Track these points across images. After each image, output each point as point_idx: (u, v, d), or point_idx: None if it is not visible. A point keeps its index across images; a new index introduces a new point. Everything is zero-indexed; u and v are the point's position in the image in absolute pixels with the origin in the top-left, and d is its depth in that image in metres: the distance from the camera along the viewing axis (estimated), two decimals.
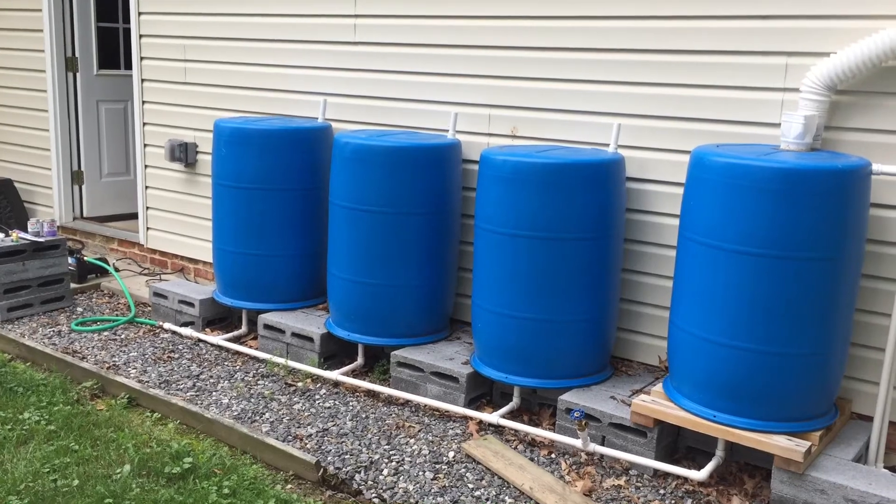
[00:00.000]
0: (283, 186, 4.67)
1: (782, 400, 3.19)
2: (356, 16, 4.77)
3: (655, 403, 3.44)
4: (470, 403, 4.01)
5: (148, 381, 4.35)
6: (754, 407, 3.21)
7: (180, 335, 4.99)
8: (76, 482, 3.32)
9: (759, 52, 3.58)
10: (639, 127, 3.92)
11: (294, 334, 4.54)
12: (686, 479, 3.42)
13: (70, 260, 5.70)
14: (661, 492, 3.38)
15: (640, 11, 3.84)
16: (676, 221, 3.59)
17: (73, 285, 5.66)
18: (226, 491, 3.26)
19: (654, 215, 3.93)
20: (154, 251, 6.19)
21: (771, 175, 3.05)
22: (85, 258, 5.92)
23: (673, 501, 3.31)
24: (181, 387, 4.30)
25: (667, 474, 3.47)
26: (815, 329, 3.13)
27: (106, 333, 5.03)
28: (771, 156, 3.17)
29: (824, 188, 3.04)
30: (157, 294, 5.22)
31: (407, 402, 4.12)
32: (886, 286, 3.39)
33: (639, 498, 3.32)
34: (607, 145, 3.92)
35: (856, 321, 3.37)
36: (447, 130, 4.41)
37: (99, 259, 6.01)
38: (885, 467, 3.34)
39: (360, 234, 4.22)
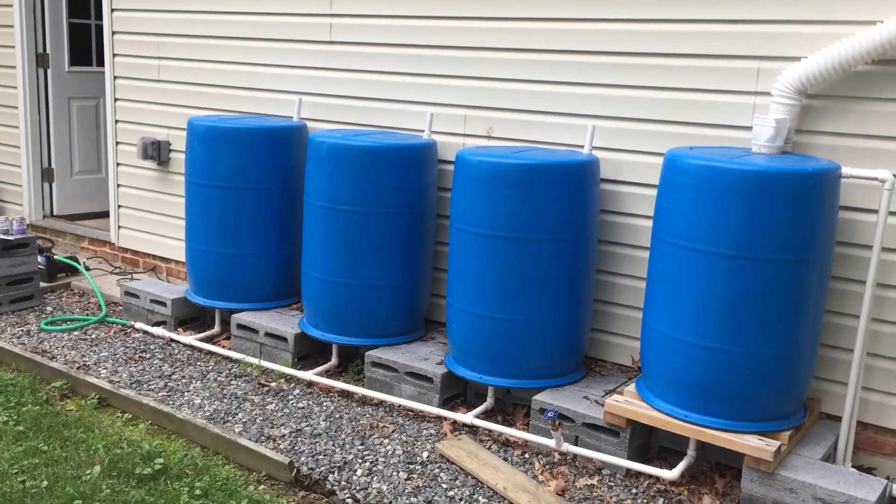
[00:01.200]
0: (258, 185, 4.65)
1: (753, 400, 3.23)
2: (332, 15, 4.76)
3: (628, 403, 3.46)
4: (444, 404, 4.01)
5: (119, 382, 4.30)
6: (725, 407, 3.24)
7: (152, 335, 4.94)
8: (45, 483, 3.27)
9: (732, 55, 3.62)
10: (613, 129, 3.94)
11: (268, 334, 4.51)
12: (658, 479, 3.45)
13: (40, 258, 5.63)
14: (634, 491, 3.40)
15: (616, 14, 3.87)
16: (650, 223, 3.62)
17: (42, 284, 5.58)
18: (198, 492, 3.24)
19: (628, 217, 3.96)
20: (126, 250, 6.13)
21: (742, 177, 3.09)
22: (55, 257, 5.84)
23: (645, 500, 3.33)
24: (153, 387, 4.26)
25: (639, 474, 3.49)
26: (785, 330, 3.17)
27: (76, 333, 4.97)
28: (743, 158, 3.21)
29: (795, 191, 3.08)
30: (128, 293, 5.17)
31: (381, 403, 4.12)
32: (855, 288, 3.44)
33: (611, 497, 3.35)
34: (582, 147, 3.94)
35: (825, 322, 3.42)
36: (423, 131, 4.41)
37: (69, 258, 5.93)
38: (852, 466, 3.39)
39: (335, 234, 4.20)
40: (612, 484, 3.45)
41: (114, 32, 5.83)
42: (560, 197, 3.69)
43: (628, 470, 3.50)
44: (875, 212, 3.28)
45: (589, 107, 3.99)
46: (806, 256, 3.14)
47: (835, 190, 3.21)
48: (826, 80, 3.33)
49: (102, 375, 4.37)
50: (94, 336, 4.94)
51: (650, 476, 3.47)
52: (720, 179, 3.12)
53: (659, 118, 3.82)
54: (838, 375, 3.52)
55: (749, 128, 3.52)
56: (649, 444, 3.66)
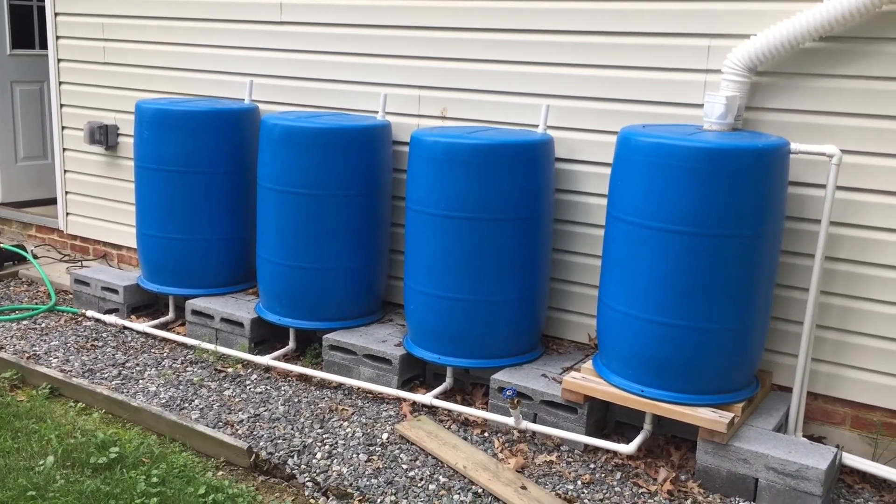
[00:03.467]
0: (209, 169, 4.57)
1: (706, 373, 3.28)
2: None
3: (585, 380, 3.50)
4: (403, 385, 4.01)
5: (71, 371, 4.22)
6: (680, 381, 3.29)
7: (104, 323, 4.85)
8: None
9: (683, 34, 3.65)
10: (567, 108, 3.96)
11: (223, 319, 4.46)
12: (615, 453, 3.50)
13: None
14: (592, 466, 3.44)
15: None
16: (604, 201, 3.64)
17: None
18: (154, 479, 3.20)
19: (583, 195, 3.98)
20: (75, 237, 6.00)
21: (694, 154, 3.12)
22: (1, 245, 5.69)
23: (602, 475, 3.38)
24: (106, 375, 4.19)
25: (597, 449, 3.54)
26: (737, 304, 3.23)
27: (25, 322, 4.86)
28: (694, 136, 3.24)
29: (745, 167, 3.13)
30: (78, 281, 5.06)
31: (340, 386, 4.10)
32: (804, 262, 3.51)
33: (570, 473, 3.38)
34: (537, 126, 3.95)
35: (776, 296, 3.48)
36: (377, 112, 4.38)
37: (16, 246, 5.79)
38: (803, 436, 3.47)
39: (290, 217, 4.16)
40: (571, 459, 3.49)
41: (56, 14, 5.67)
42: (515, 176, 3.70)
43: (586, 445, 3.54)
44: (823, 186, 3.34)
45: (543, 86, 4.00)
46: (757, 231, 3.19)
47: (784, 166, 3.27)
48: (775, 57, 3.38)
49: (54, 365, 4.28)
50: (43, 325, 4.83)
51: (608, 451, 3.51)
52: (672, 157, 3.15)
53: (612, 97, 3.84)
54: (789, 347, 3.60)
55: (701, 105, 3.56)
56: (606, 419, 3.71)
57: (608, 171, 3.59)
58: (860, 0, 3.14)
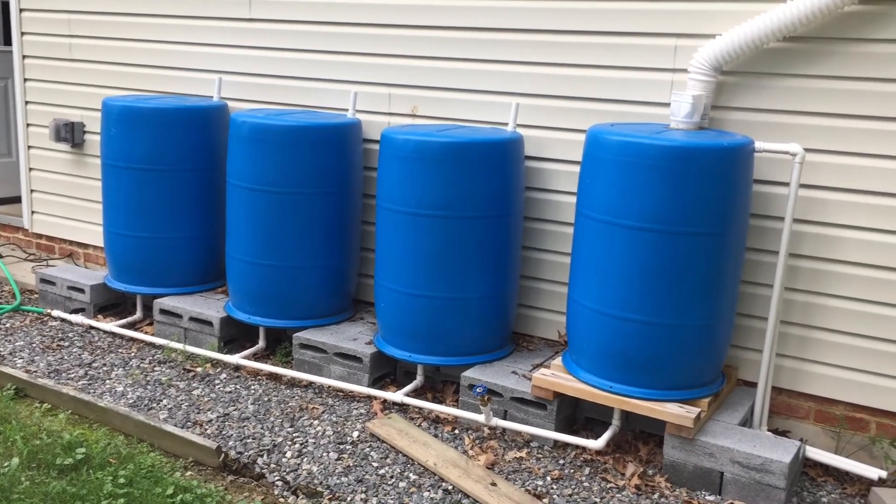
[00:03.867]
0: (177, 167, 4.53)
1: (673, 369, 3.32)
2: None
3: (555, 377, 3.53)
4: (374, 383, 4.01)
5: (36, 371, 4.16)
6: (648, 377, 3.33)
7: (70, 323, 4.79)
8: None
9: (650, 33, 3.68)
10: (536, 106, 3.98)
11: (192, 319, 4.43)
12: (584, 449, 3.53)
13: None
14: (561, 462, 3.47)
15: None
16: (574, 199, 3.67)
17: None
18: (122, 480, 3.17)
19: (553, 193, 4.01)
20: (40, 236, 5.91)
21: (661, 153, 3.16)
22: None
23: (572, 470, 3.40)
24: (72, 376, 4.14)
25: (566, 445, 3.56)
26: (704, 300, 3.27)
27: None
28: (661, 134, 3.28)
29: (711, 165, 3.17)
30: (44, 280, 5.00)
31: (310, 384, 4.09)
32: (769, 258, 3.56)
33: (539, 469, 3.41)
34: (507, 124, 3.96)
35: (741, 292, 3.54)
36: (347, 110, 4.37)
37: None
38: (768, 430, 3.53)
39: (259, 215, 4.14)
40: (541, 455, 3.51)
41: (21, 10, 5.59)
42: (485, 174, 3.72)
43: (556, 441, 3.57)
44: (787, 184, 3.39)
45: (513, 84, 4.02)
46: (722, 229, 3.23)
47: (749, 164, 3.31)
48: (739, 56, 3.43)
49: (19, 365, 4.22)
50: (8, 325, 4.76)
51: (577, 446, 3.54)
52: (640, 155, 3.18)
53: (581, 95, 3.87)
54: (754, 343, 3.65)
55: (668, 104, 3.60)
56: (576, 415, 3.74)
57: (577, 169, 3.61)
58: (823, 1, 3.20)
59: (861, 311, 3.44)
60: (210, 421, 3.70)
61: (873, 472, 3.30)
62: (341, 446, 3.53)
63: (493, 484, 3.23)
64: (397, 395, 3.84)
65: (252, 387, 4.05)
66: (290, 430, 3.64)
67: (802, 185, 3.40)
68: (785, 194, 3.40)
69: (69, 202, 5.63)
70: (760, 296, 3.60)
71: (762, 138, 3.45)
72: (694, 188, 3.16)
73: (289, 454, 3.45)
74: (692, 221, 3.18)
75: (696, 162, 3.15)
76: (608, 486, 3.30)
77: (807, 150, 3.36)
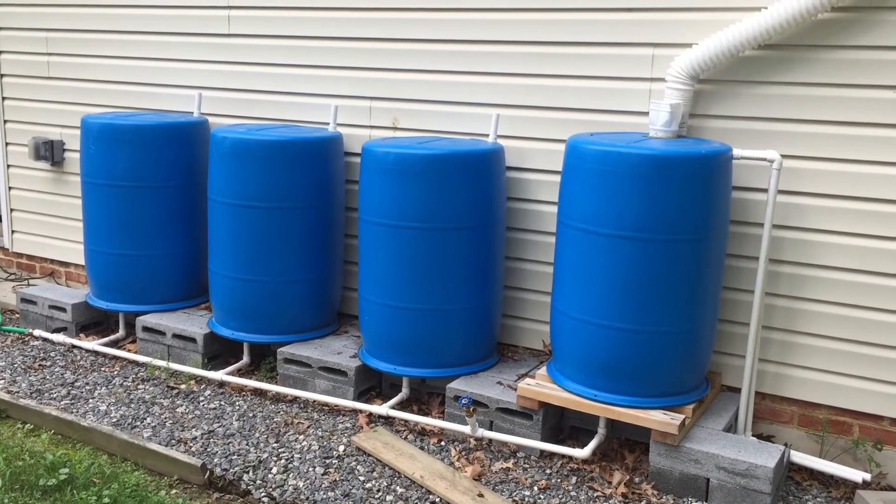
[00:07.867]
0: (158, 184, 4.52)
1: (657, 376, 3.34)
2: (230, 7, 4.66)
3: (540, 386, 3.53)
4: (359, 396, 4.00)
5: (18, 392, 4.13)
6: (632, 384, 3.34)
7: (52, 342, 4.75)
8: None
9: (628, 43, 3.71)
10: (516, 117, 4.00)
11: (175, 335, 4.40)
12: (571, 458, 3.53)
13: None
14: (548, 471, 3.47)
15: (516, 4, 3.91)
16: (555, 208, 3.68)
17: None
18: (106, 500, 3.14)
19: (534, 203, 4.03)
20: (20, 255, 5.87)
21: (640, 161, 3.18)
22: None
23: (558, 480, 3.40)
24: (55, 395, 4.10)
25: (553, 454, 3.57)
26: (685, 307, 3.29)
27: None
28: (640, 143, 3.30)
29: (690, 173, 3.20)
30: (25, 300, 4.96)
31: (295, 399, 4.07)
32: (749, 264, 3.59)
33: (526, 479, 3.41)
34: (487, 136, 3.98)
35: (723, 298, 3.56)
36: (328, 123, 4.37)
37: None
38: (753, 435, 3.54)
39: (241, 231, 4.13)
40: (527, 465, 3.51)
41: None
42: (467, 185, 3.73)
43: (542, 451, 3.57)
44: (765, 191, 3.42)
45: (492, 96, 4.04)
46: (702, 235, 3.26)
47: (727, 171, 3.34)
48: (716, 65, 3.46)
49: (0, 386, 4.18)
50: None
51: (563, 456, 3.54)
52: (619, 164, 3.20)
53: (560, 105, 3.90)
54: (736, 349, 3.67)
55: (646, 113, 3.63)
56: (562, 424, 3.74)
57: (558, 178, 3.63)
58: (797, 9, 3.24)
59: (842, 315, 3.47)
60: (195, 438, 3.67)
61: (857, 475, 3.33)
62: (327, 461, 3.51)
63: (481, 495, 3.22)
64: (383, 408, 3.83)
65: (237, 403, 4.03)
66: (275, 445, 3.63)
67: (781, 191, 3.43)
68: (764, 200, 3.43)
69: (49, 221, 5.60)
70: (742, 301, 3.63)
71: (740, 145, 3.48)
72: (673, 196, 3.18)
73: (275, 470, 3.43)
74: (672, 229, 3.21)
75: (675, 170, 3.18)
76: (595, 494, 3.30)
77: (784, 156, 3.39)
